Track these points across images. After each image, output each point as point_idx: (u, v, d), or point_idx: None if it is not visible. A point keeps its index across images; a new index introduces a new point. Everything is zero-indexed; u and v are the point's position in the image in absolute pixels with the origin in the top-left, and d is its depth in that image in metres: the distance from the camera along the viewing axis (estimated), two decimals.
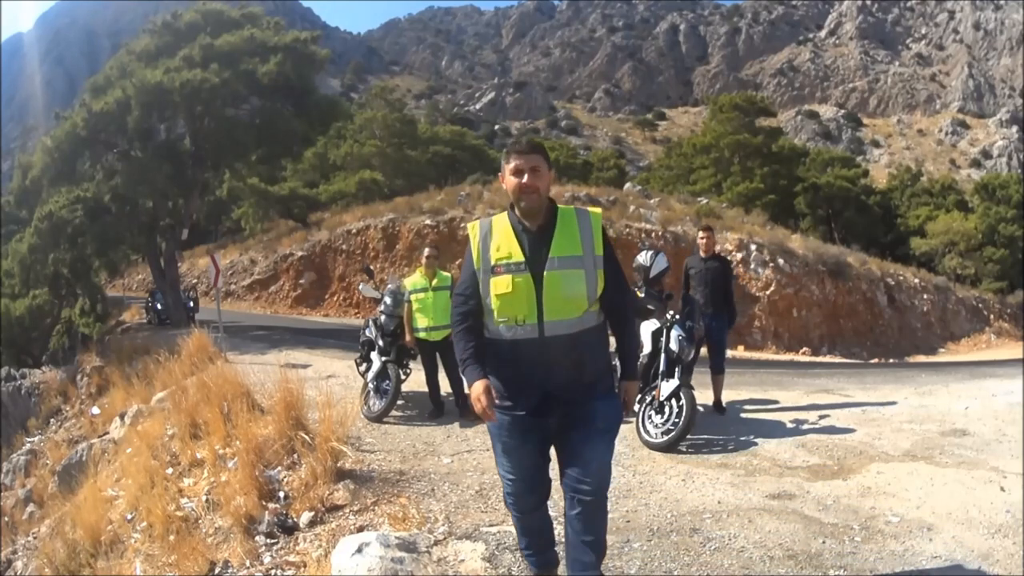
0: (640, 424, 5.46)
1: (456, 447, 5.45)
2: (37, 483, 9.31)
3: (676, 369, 5.55)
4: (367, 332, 7.15)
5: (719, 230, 20.17)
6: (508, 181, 2.64)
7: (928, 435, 5.40)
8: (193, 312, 18.40)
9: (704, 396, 6.35)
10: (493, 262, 2.60)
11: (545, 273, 2.54)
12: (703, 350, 6.23)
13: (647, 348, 5.72)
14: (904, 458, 4.87)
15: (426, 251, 6.82)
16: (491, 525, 3.76)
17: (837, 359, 16.73)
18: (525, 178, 2.58)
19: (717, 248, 6.97)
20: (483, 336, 2.69)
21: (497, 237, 2.65)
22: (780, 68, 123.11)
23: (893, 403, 6.65)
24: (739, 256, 19.06)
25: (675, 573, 3.30)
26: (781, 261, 19.32)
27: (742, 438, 5.49)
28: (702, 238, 6.73)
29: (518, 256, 2.58)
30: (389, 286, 7.22)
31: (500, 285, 2.57)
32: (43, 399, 14.12)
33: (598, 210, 2.76)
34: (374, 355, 6.86)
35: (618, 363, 2.84)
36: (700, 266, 6.55)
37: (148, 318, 19.78)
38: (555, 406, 2.60)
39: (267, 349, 12.03)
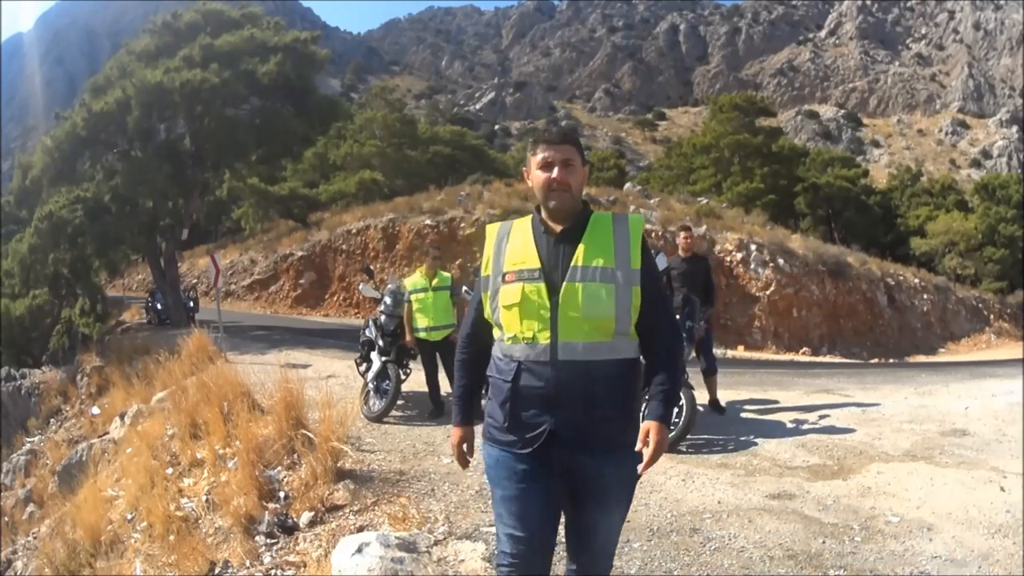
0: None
1: None
2: (37, 483, 9.30)
3: None
4: (367, 332, 7.15)
5: (719, 230, 20.18)
6: (534, 176, 2.25)
7: (928, 435, 5.39)
8: (193, 312, 18.40)
9: (705, 396, 6.36)
10: (505, 269, 2.22)
11: (564, 284, 2.12)
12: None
13: None
14: (904, 458, 4.87)
15: (431, 252, 6.87)
16: (491, 525, 3.75)
17: (837, 359, 16.73)
18: (555, 172, 2.18)
19: (716, 248, 7.00)
20: (481, 371, 2.32)
21: (514, 241, 2.27)
22: (780, 68, 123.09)
23: (893, 403, 6.66)
24: (739, 256, 19.04)
25: (675, 573, 3.30)
26: (781, 261, 19.31)
27: (742, 438, 5.49)
28: (685, 238, 6.74)
29: (533, 262, 2.18)
30: (389, 286, 7.22)
31: (508, 295, 2.17)
32: (43, 399, 14.12)
33: (639, 217, 2.32)
34: (374, 355, 6.86)
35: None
36: (681, 266, 6.54)
37: (148, 318, 19.77)
38: (560, 451, 2.12)
39: (267, 349, 12.02)
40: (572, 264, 2.14)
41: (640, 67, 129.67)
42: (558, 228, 2.21)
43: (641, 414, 2.23)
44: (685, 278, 6.46)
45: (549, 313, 2.11)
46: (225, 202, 33.52)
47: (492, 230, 2.35)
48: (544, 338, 2.11)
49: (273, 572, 3.77)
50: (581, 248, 2.16)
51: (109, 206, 17.63)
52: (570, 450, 2.11)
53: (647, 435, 2.12)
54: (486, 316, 2.28)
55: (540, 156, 2.22)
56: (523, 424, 2.14)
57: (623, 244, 2.19)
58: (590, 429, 2.10)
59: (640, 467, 2.09)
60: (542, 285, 2.13)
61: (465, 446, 2.36)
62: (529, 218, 2.31)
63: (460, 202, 23.41)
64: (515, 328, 2.15)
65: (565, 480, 2.18)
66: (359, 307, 22.28)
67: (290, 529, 4.14)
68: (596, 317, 2.11)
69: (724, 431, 5.74)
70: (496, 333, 2.26)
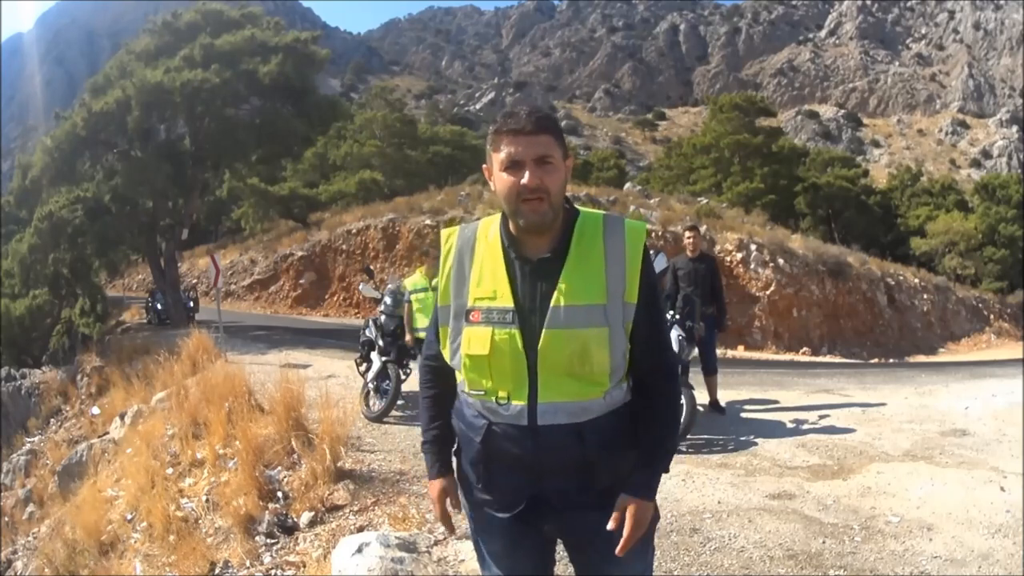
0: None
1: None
2: (37, 483, 9.31)
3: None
4: (367, 332, 7.15)
5: (719, 230, 20.18)
6: (497, 179, 1.65)
7: (928, 435, 5.40)
8: (193, 312, 18.40)
9: (705, 396, 6.35)
10: (470, 302, 1.67)
11: (544, 331, 1.59)
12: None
13: None
14: (904, 458, 4.87)
15: (431, 252, 6.87)
16: None
17: (837, 359, 16.71)
18: (526, 176, 1.58)
19: (716, 248, 6.99)
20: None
21: (480, 259, 1.70)
22: (780, 68, 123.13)
23: (893, 403, 6.66)
24: (739, 256, 19.03)
25: (675, 573, 3.30)
26: (781, 261, 19.30)
27: (742, 438, 5.49)
28: (689, 238, 6.73)
29: (505, 298, 1.63)
30: (389, 286, 7.22)
31: (474, 340, 1.64)
32: (43, 399, 14.12)
33: (641, 225, 1.71)
34: (374, 355, 6.85)
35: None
36: (688, 266, 6.52)
37: (148, 318, 19.78)
38: (550, 513, 1.70)
39: (267, 349, 12.02)
40: (553, 303, 1.60)
41: (640, 67, 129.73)
42: (535, 252, 1.65)
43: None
44: (691, 278, 6.45)
45: (526, 369, 1.61)
46: (225, 202, 33.58)
47: (450, 237, 1.77)
48: (519, 398, 1.62)
49: (273, 572, 3.77)
50: (564, 279, 1.61)
51: (109, 206, 17.65)
52: (562, 513, 1.69)
53: (623, 513, 1.62)
54: (446, 358, 1.78)
55: (505, 152, 1.61)
56: (500, 488, 1.71)
57: (617, 267, 1.63)
58: (582, 494, 1.67)
59: (617, 549, 1.62)
60: (516, 332, 1.60)
61: (449, 500, 1.83)
62: (496, 223, 1.73)
63: (460, 202, 23.44)
64: (482, 384, 1.66)
65: (569, 540, 1.78)
66: (359, 307, 22.28)
67: (290, 529, 4.14)
68: (586, 374, 1.61)
69: (724, 431, 5.74)
70: (458, 376, 1.76)
